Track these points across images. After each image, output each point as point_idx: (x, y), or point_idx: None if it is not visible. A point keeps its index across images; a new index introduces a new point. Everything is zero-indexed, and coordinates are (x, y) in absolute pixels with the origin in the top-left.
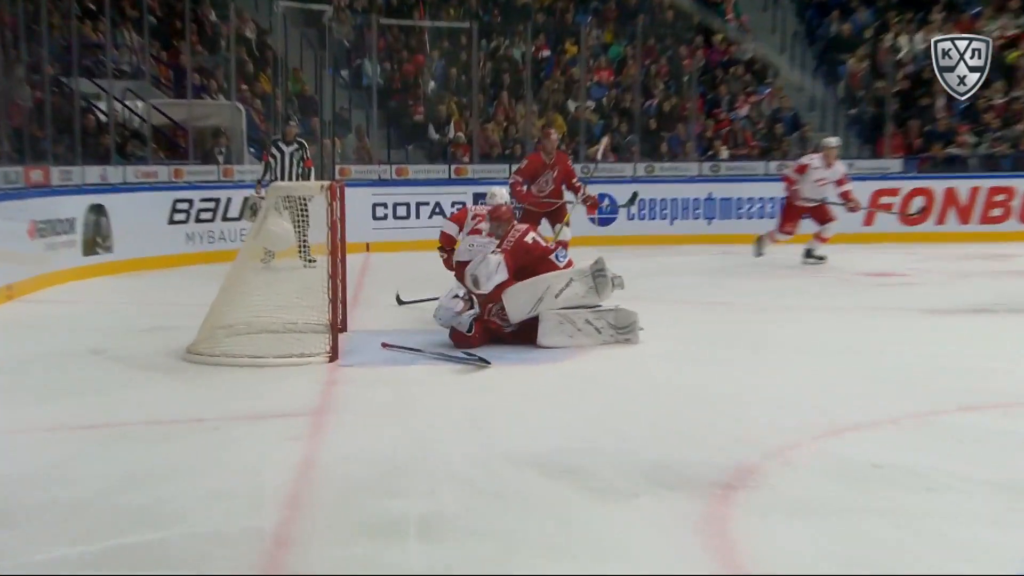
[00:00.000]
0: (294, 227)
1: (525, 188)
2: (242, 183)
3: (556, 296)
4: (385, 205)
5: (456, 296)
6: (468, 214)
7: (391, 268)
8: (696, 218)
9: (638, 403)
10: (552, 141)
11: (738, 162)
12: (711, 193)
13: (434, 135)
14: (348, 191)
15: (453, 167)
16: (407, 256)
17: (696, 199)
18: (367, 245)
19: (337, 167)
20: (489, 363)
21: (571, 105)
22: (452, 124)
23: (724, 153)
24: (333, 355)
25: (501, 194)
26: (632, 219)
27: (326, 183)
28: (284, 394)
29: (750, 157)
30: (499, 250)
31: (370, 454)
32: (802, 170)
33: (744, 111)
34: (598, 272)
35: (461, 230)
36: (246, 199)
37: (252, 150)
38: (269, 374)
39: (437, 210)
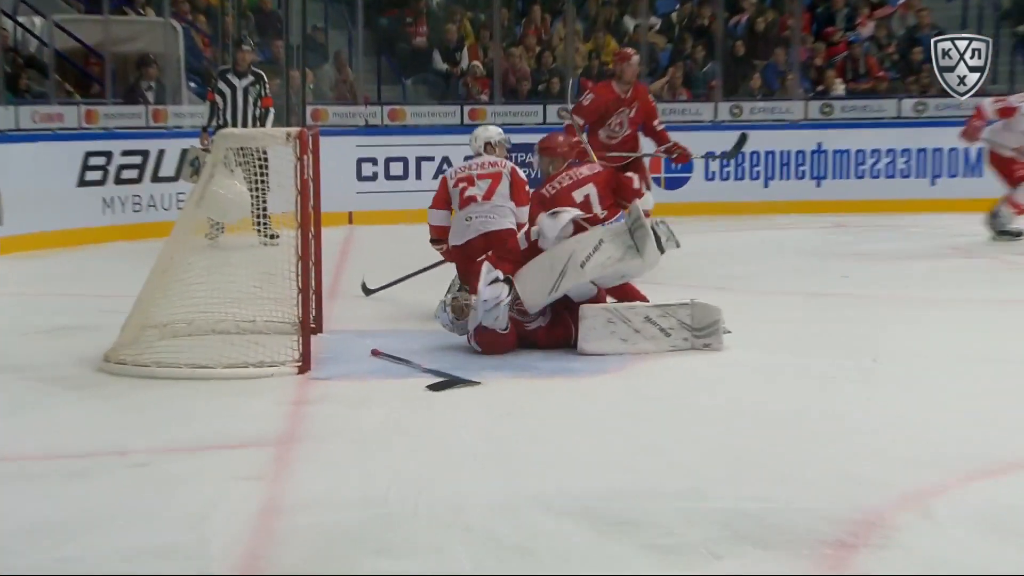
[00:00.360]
0: (250, 190)
1: (586, 133)
2: (179, 130)
3: (582, 265)
4: (374, 160)
5: (497, 280)
6: (448, 183)
7: (381, 246)
8: (800, 177)
9: (719, 431)
10: (632, 66)
11: (859, 100)
12: (821, 143)
13: (441, 65)
14: (324, 141)
15: (467, 108)
16: (403, 230)
17: (800, 152)
18: (350, 215)
19: (309, 108)
20: (478, 382)
21: (628, 23)
22: (465, 50)
23: (839, 88)
24: (304, 364)
25: (488, 135)
26: (711, 179)
27: (293, 130)
28: (238, 417)
29: (876, 93)
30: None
31: (354, 497)
32: (1007, 113)
33: (868, 30)
34: (636, 224)
35: (451, 210)
36: (184, 152)
37: (193, 85)
38: (218, 390)
39: (445, 167)
